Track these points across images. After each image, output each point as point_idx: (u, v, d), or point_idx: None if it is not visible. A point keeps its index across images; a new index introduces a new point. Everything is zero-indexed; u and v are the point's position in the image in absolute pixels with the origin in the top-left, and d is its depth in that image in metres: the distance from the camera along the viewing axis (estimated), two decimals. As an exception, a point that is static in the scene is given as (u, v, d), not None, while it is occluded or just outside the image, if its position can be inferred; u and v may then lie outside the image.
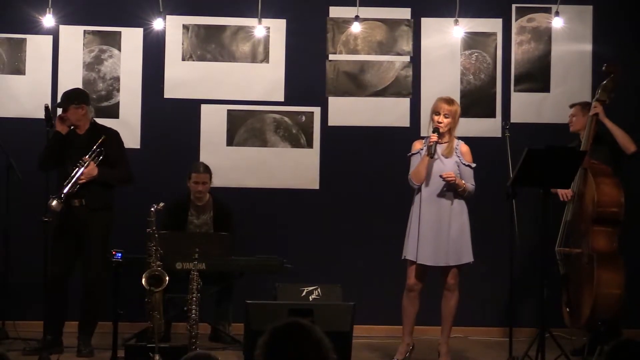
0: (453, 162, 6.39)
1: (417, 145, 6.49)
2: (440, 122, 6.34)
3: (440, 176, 6.27)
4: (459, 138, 6.58)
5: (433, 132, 6.33)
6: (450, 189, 6.34)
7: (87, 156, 6.62)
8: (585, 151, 6.58)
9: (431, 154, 6.30)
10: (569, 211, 6.82)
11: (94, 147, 6.66)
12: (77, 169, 6.61)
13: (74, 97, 6.83)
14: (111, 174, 6.74)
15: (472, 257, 6.41)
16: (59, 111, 6.85)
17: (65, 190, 6.54)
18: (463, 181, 6.34)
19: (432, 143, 6.29)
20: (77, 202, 6.63)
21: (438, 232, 6.32)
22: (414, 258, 6.35)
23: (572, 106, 7.19)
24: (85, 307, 6.74)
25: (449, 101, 6.44)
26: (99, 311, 6.74)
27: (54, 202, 6.47)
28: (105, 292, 6.65)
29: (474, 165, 6.45)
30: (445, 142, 6.41)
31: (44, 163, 6.70)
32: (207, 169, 7.40)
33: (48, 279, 6.51)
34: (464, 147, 6.46)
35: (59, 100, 6.99)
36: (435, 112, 6.39)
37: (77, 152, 6.66)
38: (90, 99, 6.98)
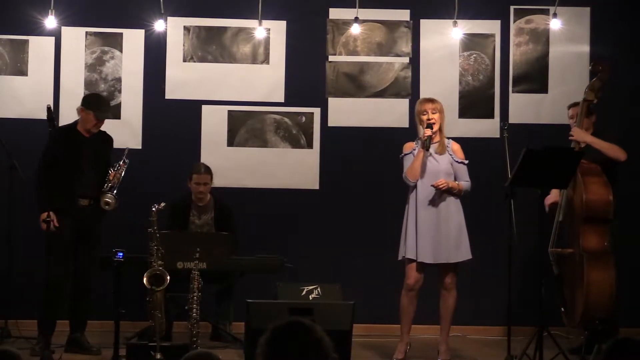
0: (447, 160, 6.49)
1: (409, 146, 6.57)
2: (431, 119, 6.44)
3: (432, 185, 6.36)
4: (456, 138, 6.66)
5: (427, 127, 6.42)
6: (445, 192, 6.42)
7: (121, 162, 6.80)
8: (582, 152, 6.60)
9: (427, 146, 6.39)
10: (561, 212, 6.83)
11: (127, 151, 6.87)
12: (111, 168, 6.75)
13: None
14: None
15: (470, 254, 6.49)
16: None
17: (115, 187, 6.68)
18: (457, 182, 6.45)
19: (426, 137, 6.39)
20: (87, 202, 6.69)
21: (436, 230, 6.39)
22: (413, 256, 6.41)
23: (571, 106, 7.16)
24: (84, 305, 6.82)
25: (431, 100, 6.57)
26: None
27: (111, 199, 6.62)
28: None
29: (466, 161, 6.55)
30: (436, 142, 6.50)
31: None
32: (208, 170, 7.44)
33: (52, 280, 6.63)
34: (455, 145, 6.58)
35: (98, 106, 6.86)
36: (422, 112, 6.47)
37: (87, 152, 6.76)
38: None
